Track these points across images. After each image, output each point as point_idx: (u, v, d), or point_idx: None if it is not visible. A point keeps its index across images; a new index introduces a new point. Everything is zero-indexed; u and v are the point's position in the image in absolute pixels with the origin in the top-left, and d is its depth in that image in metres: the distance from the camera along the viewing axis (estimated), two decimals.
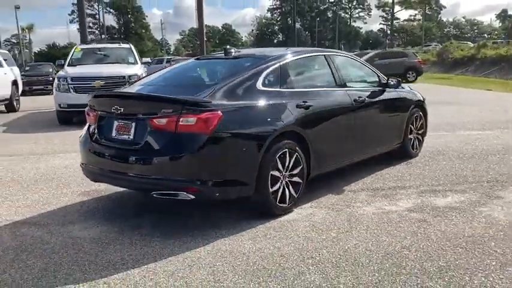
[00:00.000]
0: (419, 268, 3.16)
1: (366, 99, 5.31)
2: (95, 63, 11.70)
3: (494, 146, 7.09)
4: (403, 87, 6.56)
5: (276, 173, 4.15)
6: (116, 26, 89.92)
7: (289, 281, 3.03)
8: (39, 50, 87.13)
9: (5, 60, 14.52)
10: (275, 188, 4.15)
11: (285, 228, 3.96)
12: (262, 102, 4.12)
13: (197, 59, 5.35)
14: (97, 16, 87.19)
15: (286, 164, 4.24)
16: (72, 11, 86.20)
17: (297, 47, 64.22)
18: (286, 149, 4.21)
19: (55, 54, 74.35)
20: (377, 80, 5.79)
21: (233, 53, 4.91)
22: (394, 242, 3.62)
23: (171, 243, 3.69)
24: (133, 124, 3.94)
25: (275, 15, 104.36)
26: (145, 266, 3.29)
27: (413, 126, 6.29)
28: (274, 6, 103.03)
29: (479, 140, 7.56)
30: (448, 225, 3.94)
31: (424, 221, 4.05)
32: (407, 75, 23.18)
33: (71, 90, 10.40)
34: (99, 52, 12.42)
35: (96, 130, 4.27)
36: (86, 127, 4.49)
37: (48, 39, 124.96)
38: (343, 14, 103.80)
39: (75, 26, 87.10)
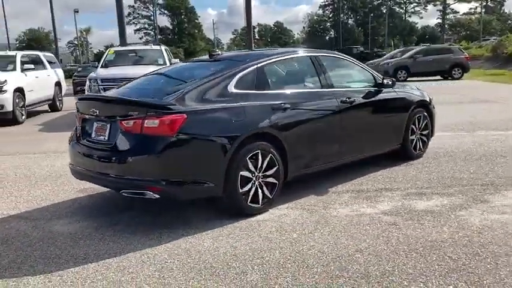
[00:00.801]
0: (362, 272, 3.15)
1: (356, 100, 5.26)
2: (126, 65, 12.16)
3: (509, 147, 6.79)
4: (409, 86, 6.45)
5: (247, 174, 4.22)
6: (170, 26, 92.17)
7: (228, 280, 3.11)
8: (98, 51, 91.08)
9: (51, 62, 15.37)
10: (246, 188, 4.23)
11: (251, 228, 4.03)
12: (232, 105, 4.20)
13: (184, 62, 5.50)
14: (152, 17, 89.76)
15: (259, 165, 4.31)
16: (129, 13, 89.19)
17: (343, 43, 62.52)
18: (259, 150, 4.28)
19: None
20: (372, 80, 5.71)
21: (217, 56, 5.02)
22: (351, 244, 3.61)
23: (137, 240, 3.86)
24: (108, 126, 4.15)
25: (327, 11, 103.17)
26: (103, 261, 3.48)
27: (415, 126, 6.15)
28: (326, 3, 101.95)
29: (496, 141, 7.25)
30: (416, 230, 3.86)
31: (393, 225, 4.00)
32: (453, 72, 22.33)
33: (101, 91, 10.86)
34: (130, 54, 12.91)
35: (80, 131, 4.52)
36: (74, 128, 4.76)
37: (106, 41, 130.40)
38: (397, 9, 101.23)
39: (131, 28, 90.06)
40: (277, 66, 4.91)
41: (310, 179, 5.25)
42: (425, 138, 6.35)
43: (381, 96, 5.63)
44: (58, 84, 15.21)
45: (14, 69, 12.45)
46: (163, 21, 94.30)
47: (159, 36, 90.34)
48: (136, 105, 3.96)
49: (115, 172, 4.02)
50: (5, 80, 11.55)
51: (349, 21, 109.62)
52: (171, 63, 12.44)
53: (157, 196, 3.88)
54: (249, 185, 4.25)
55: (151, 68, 11.65)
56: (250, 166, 4.24)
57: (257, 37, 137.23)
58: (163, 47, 13.31)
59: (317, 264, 3.30)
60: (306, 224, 4.09)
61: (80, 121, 4.54)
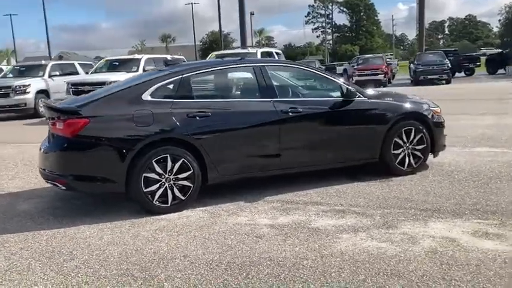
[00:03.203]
0: (151, 274, 3.38)
1: (304, 110, 5.17)
2: None
3: None
4: (397, 96, 6.09)
5: (154, 175, 4.63)
6: (348, 24, 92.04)
7: (52, 263, 3.65)
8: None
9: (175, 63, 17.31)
10: (151, 188, 4.64)
11: (140, 225, 4.44)
12: (140, 112, 4.64)
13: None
14: (330, 16, 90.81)
15: (169, 168, 4.68)
16: (308, 13, 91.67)
17: None
18: (168, 155, 4.65)
19: (290, 54, 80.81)
20: (339, 91, 5.48)
21: (169, 66, 5.49)
22: (190, 250, 3.80)
23: (49, 223, 4.60)
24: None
25: None
26: (7, 235, 4.32)
27: (402, 140, 5.66)
28: None
29: None
30: (268, 245, 3.81)
31: (258, 237, 4.01)
32: None
33: None
34: (228, 58, 13.85)
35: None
36: None
37: (290, 39, 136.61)
38: None
39: (310, 27, 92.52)
40: (206, 77, 5.15)
41: (256, 183, 5.39)
42: (419, 154, 5.78)
43: (346, 106, 5.39)
44: None
45: (137, 70, 14.47)
46: (342, 18, 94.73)
47: (336, 34, 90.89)
48: (54, 110, 4.73)
49: (45, 166, 4.84)
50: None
51: None
52: None
53: (64, 188, 4.61)
54: (156, 186, 4.65)
55: None
56: (157, 168, 4.64)
57: (447, 32, 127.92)
58: (260, 50, 13.94)
59: (132, 262, 3.61)
60: (189, 228, 4.33)
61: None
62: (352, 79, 27.08)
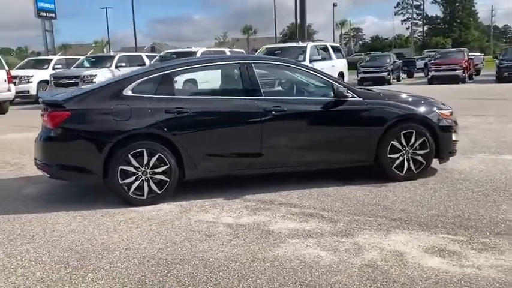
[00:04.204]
0: (82, 264, 3.53)
1: (289, 109, 5.05)
2: None
3: None
4: (399, 96, 5.77)
5: (130, 168, 4.79)
6: (441, 15, 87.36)
7: (15, 245, 3.93)
8: (364, 41, 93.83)
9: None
10: (128, 180, 4.80)
11: (109, 215, 4.61)
12: (120, 107, 4.79)
13: None
14: (421, 7, 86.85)
15: (145, 162, 4.81)
16: (398, 3, 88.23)
17: None
18: (144, 149, 4.79)
19: (376, 46, 78.43)
20: (331, 90, 5.26)
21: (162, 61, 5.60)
22: (132, 242, 3.91)
23: (38, 210, 4.90)
24: None
25: None
26: None
27: (401, 143, 5.34)
28: None
29: None
30: (205, 244, 3.82)
31: (207, 236, 4.02)
32: None
33: None
34: (276, 52, 13.77)
35: None
36: None
37: (379, 31, 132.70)
38: None
39: (399, 18, 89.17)
40: (188, 74, 5.19)
41: (243, 180, 5.39)
42: (421, 159, 5.41)
43: (336, 107, 5.18)
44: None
45: None
46: (435, 10, 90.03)
47: (427, 26, 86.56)
48: (43, 102, 5.03)
49: (36, 155, 5.17)
50: None
51: None
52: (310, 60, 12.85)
53: (49, 176, 4.92)
54: (132, 179, 4.80)
55: None
56: (134, 162, 4.78)
57: None
58: (310, 44, 13.67)
59: (76, 251, 3.78)
60: (151, 221, 4.43)
61: None
62: (429, 74, 25.78)
